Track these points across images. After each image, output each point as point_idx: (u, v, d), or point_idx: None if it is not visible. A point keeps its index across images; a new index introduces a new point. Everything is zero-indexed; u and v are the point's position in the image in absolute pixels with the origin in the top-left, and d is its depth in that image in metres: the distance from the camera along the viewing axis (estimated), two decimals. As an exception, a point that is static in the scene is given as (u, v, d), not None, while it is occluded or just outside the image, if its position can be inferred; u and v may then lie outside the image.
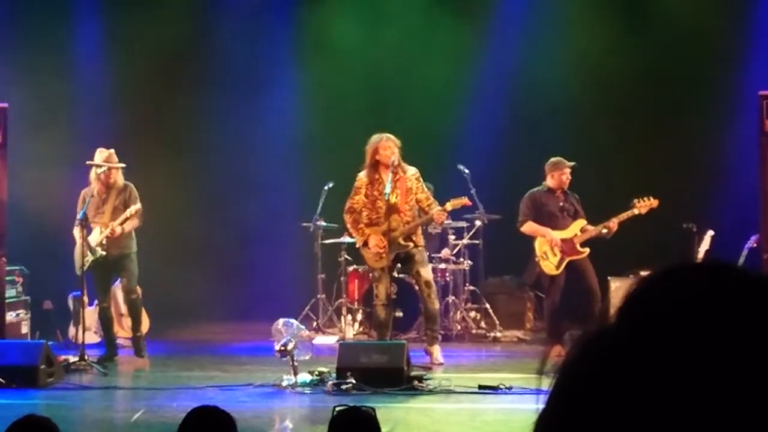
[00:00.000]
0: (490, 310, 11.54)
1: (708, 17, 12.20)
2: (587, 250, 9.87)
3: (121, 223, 9.76)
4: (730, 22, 12.36)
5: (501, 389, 8.08)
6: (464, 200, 9.68)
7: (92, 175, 9.90)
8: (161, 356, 10.34)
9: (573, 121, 12.26)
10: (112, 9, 13.04)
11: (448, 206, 9.53)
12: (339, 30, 12.95)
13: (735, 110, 11.57)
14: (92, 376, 9.13)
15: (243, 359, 9.94)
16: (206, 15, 13.06)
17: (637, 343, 0.81)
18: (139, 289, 10.25)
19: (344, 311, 11.23)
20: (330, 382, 8.15)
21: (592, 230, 9.85)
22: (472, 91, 12.60)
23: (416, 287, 9.76)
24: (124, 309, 10.52)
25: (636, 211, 9.76)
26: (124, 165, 10.00)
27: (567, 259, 9.83)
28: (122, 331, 10.67)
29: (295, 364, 8.33)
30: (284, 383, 8.29)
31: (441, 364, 9.44)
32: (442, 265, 11.39)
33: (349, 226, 9.83)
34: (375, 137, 9.54)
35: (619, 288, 10.26)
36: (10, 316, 10.39)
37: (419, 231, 9.72)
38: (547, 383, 0.86)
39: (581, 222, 9.95)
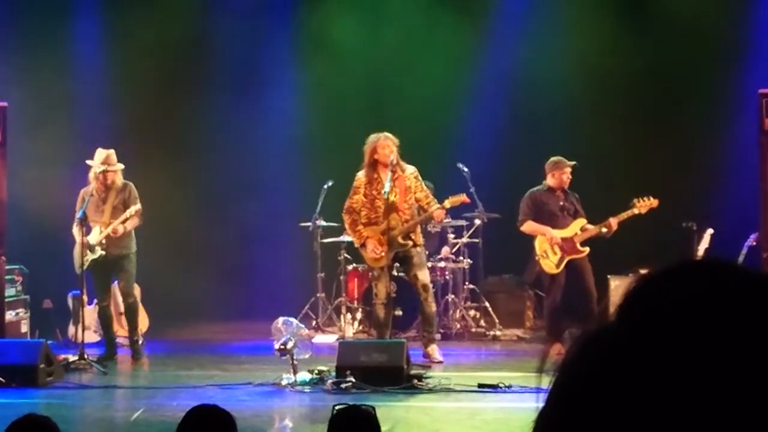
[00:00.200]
0: (490, 309, 11.54)
1: (708, 16, 12.19)
2: (587, 249, 9.87)
3: (122, 223, 9.76)
4: (730, 21, 12.36)
5: (500, 388, 8.08)
6: (463, 197, 9.68)
7: (91, 174, 9.90)
8: (161, 355, 10.34)
9: (573, 120, 12.25)
10: (111, 8, 13.03)
11: (447, 203, 9.53)
12: (338, 29, 12.94)
13: (734, 109, 11.57)
14: (92, 375, 9.13)
15: (243, 358, 9.95)
16: (206, 14, 13.05)
17: (637, 342, 0.81)
18: (136, 292, 10.24)
19: (344, 310, 11.24)
20: (329, 381, 8.16)
21: (592, 229, 9.86)
22: (472, 90, 12.60)
23: (414, 289, 9.76)
24: (123, 308, 10.51)
25: (636, 211, 9.77)
26: (122, 166, 9.99)
27: (567, 258, 9.83)
28: (122, 330, 10.66)
29: (295, 362, 8.33)
30: (284, 382, 8.29)
31: (440, 362, 9.44)
32: (442, 264, 11.39)
33: (347, 226, 9.83)
34: (373, 136, 9.54)
35: (618, 287, 10.26)
36: (9, 315, 10.39)
37: (418, 230, 9.72)
38: (546, 382, 0.86)
39: (581, 221, 9.96)
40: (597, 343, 0.84)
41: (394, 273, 10.00)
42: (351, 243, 10.34)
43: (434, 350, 9.55)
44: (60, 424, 3.64)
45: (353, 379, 8.04)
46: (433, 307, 9.70)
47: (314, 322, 11.58)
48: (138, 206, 9.84)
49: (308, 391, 8.16)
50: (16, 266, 10.84)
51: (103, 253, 9.80)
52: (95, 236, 9.80)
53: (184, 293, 11.91)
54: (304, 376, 8.32)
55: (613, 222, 9.75)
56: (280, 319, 8.65)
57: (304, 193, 12.11)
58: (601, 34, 12.42)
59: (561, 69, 12.50)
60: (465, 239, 11.56)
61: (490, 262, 11.84)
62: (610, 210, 9.90)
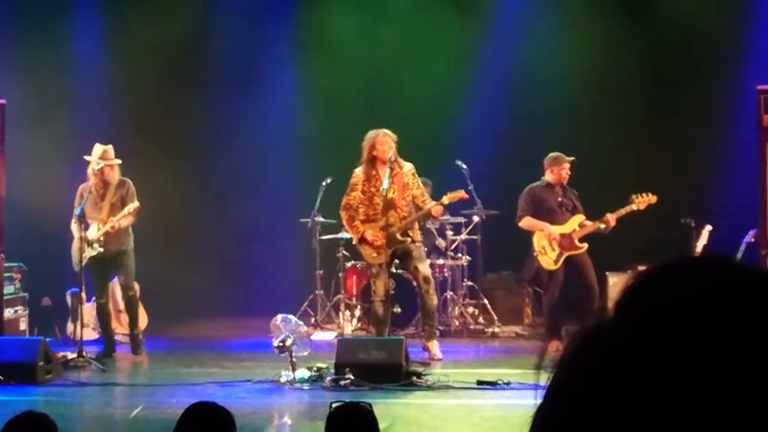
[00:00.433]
0: (489, 306, 11.54)
1: (706, 13, 12.19)
2: (586, 245, 9.87)
3: (119, 220, 9.75)
4: (728, 19, 12.35)
5: (499, 385, 8.09)
6: (461, 193, 9.68)
7: (89, 170, 9.90)
8: (160, 353, 10.35)
9: (571, 117, 12.25)
10: (111, 6, 13.03)
11: (445, 200, 9.53)
12: (338, 28, 12.94)
13: (733, 105, 11.57)
14: (90, 372, 9.13)
15: (242, 355, 9.95)
16: (205, 13, 13.04)
17: (635, 338, 0.81)
18: (136, 286, 10.24)
19: (342, 307, 11.24)
20: (328, 378, 8.16)
21: (591, 225, 9.86)
22: (471, 87, 12.59)
23: (414, 283, 9.77)
24: (122, 305, 10.52)
25: (634, 207, 9.77)
26: (119, 161, 10.00)
27: (565, 254, 9.83)
28: (120, 328, 10.68)
29: (294, 360, 8.33)
30: (283, 379, 8.29)
31: (439, 359, 9.45)
32: (441, 261, 11.39)
33: (344, 222, 9.83)
34: (371, 133, 9.54)
35: (617, 283, 10.27)
36: (8, 313, 10.38)
37: (416, 226, 9.72)
38: (545, 378, 0.86)
39: (580, 217, 9.96)
40: (595, 340, 0.84)
41: (393, 270, 10.00)
42: (349, 240, 10.34)
43: (434, 346, 9.55)
44: (59, 421, 3.64)
45: (352, 377, 8.04)
46: (435, 300, 9.70)
47: (313, 319, 11.58)
48: (136, 204, 9.84)
49: (307, 388, 8.17)
50: (15, 264, 10.84)
51: (101, 250, 9.80)
52: (93, 233, 9.79)
53: (183, 290, 11.91)
54: (303, 373, 8.32)
55: (611, 218, 9.75)
56: (279, 317, 8.65)
57: (302, 190, 12.11)
58: (600, 31, 12.41)
59: (560, 66, 12.50)
60: (463, 236, 11.56)
61: (488, 259, 11.84)
62: (608, 206, 9.90)
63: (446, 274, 11.44)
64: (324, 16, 13.05)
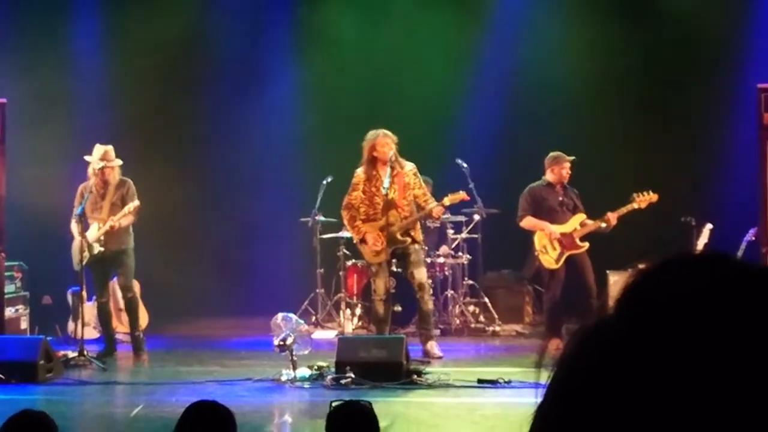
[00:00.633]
0: (489, 305, 11.54)
1: (706, 12, 12.18)
2: (586, 244, 9.87)
3: (119, 219, 9.75)
4: (729, 16, 12.35)
5: (500, 383, 8.09)
6: (462, 195, 9.68)
7: (90, 170, 9.91)
8: (160, 351, 10.34)
9: (572, 116, 12.25)
10: (110, 5, 13.03)
11: (446, 201, 9.53)
12: (338, 26, 12.93)
13: (733, 104, 11.57)
14: (91, 371, 9.13)
15: (242, 354, 9.95)
16: (205, 11, 13.04)
17: (635, 337, 0.81)
18: (136, 286, 10.25)
19: (343, 306, 11.24)
20: (329, 377, 8.16)
21: (591, 224, 9.86)
22: (471, 86, 12.59)
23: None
24: (122, 304, 10.51)
25: (635, 206, 9.77)
26: (120, 162, 10.00)
27: (566, 254, 9.83)
28: (121, 327, 10.68)
29: (294, 358, 8.33)
30: (283, 378, 8.29)
31: (440, 357, 9.45)
32: (441, 260, 11.39)
33: (345, 222, 9.83)
34: (371, 133, 9.53)
35: (617, 282, 10.26)
36: (9, 312, 10.38)
37: (418, 226, 9.72)
38: (545, 377, 0.86)
39: (580, 216, 9.96)
40: (595, 338, 0.84)
41: (393, 269, 10.00)
42: (350, 239, 10.34)
43: (433, 346, 9.55)
44: (60, 420, 3.64)
45: (353, 375, 8.04)
46: (430, 305, 9.71)
47: (313, 318, 11.58)
48: (137, 203, 9.84)
49: (307, 386, 8.16)
50: (16, 263, 10.84)
51: (102, 249, 9.80)
52: (93, 233, 9.80)
53: (183, 289, 11.92)
54: (303, 371, 8.32)
55: (612, 217, 9.75)
56: (280, 315, 8.65)
57: (303, 189, 12.10)
58: (600, 30, 12.40)
59: (560, 65, 12.50)
60: (464, 235, 11.56)
61: (489, 258, 11.84)
62: (609, 205, 9.90)
63: (447, 273, 11.44)
64: (324, 15, 13.04)
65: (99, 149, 9.91)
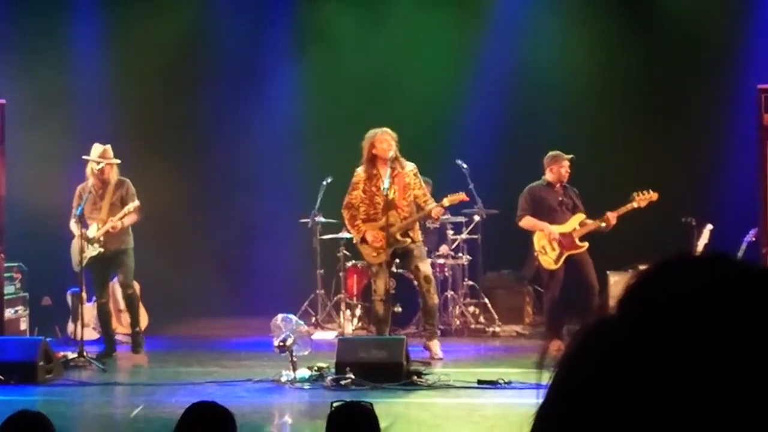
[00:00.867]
0: (489, 305, 11.54)
1: (706, 12, 12.19)
2: (586, 244, 9.86)
3: (121, 219, 9.76)
4: (729, 17, 12.35)
5: (500, 384, 8.09)
6: (461, 196, 9.68)
7: (88, 170, 9.91)
8: (160, 352, 10.34)
9: (572, 116, 12.26)
10: (110, 4, 13.03)
11: (446, 202, 9.53)
12: (338, 25, 12.94)
13: (733, 104, 11.57)
14: (91, 372, 9.13)
15: (242, 355, 9.95)
16: (205, 9, 13.05)
17: (637, 337, 0.81)
18: (135, 285, 10.25)
19: (343, 306, 11.24)
20: (329, 378, 8.15)
21: (591, 224, 9.85)
22: (471, 86, 12.59)
23: (415, 282, 9.76)
24: (122, 305, 10.53)
25: (635, 205, 9.76)
26: (119, 161, 10.00)
27: (566, 254, 9.82)
28: (121, 327, 10.68)
29: (294, 359, 8.33)
30: (283, 379, 8.29)
31: (440, 358, 9.45)
32: (441, 260, 11.40)
33: (346, 221, 9.83)
34: (371, 132, 9.53)
35: (618, 282, 10.27)
36: (8, 313, 10.38)
37: (417, 226, 9.71)
38: (546, 378, 0.85)
39: (580, 216, 9.95)
40: (597, 339, 0.84)
41: (393, 269, 10.00)
42: (350, 239, 10.34)
43: (435, 345, 9.55)
44: (59, 421, 3.64)
45: (353, 376, 8.04)
46: (436, 300, 9.70)
47: (313, 319, 11.58)
48: (137, 203, 9.85)
49: (308, 387, 8.16)
50: (15, 264, 10.84)
51: (102, 249, 9.80)
52: (93, 233, 9.80)
53: (183, 290, 11.92)
54: (303, 372, 8.32)
55: (612, 216, 9.74)
56: (280, 316, 8.65)
57: (303, 190, 12.11)
58: (600, 31, 12.42)
59: (559, 65, 12.51)
60: (464, 235, 11.56)
61: (489, 258, 11.84)
62: (609, 205, 9.89)
63: (447, 274, 11.44)
64: (324, 15, 13.05)
65: (97, 148, 9.92)
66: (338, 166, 10.69)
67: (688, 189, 11.48)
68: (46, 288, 11.48)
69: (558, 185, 9.99)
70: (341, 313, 11.26)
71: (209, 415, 3.57)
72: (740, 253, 9.84)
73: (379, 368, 8.16)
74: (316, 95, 12.96)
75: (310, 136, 12.83)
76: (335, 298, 11.66)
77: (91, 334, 10.53)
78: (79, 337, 9.72)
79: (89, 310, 10.41)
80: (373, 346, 8.52)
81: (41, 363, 8.51)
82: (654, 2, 12.72)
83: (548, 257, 9.87)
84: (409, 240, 9.55)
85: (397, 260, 9.84)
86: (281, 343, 8.37)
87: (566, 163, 9.96)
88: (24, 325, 10.94)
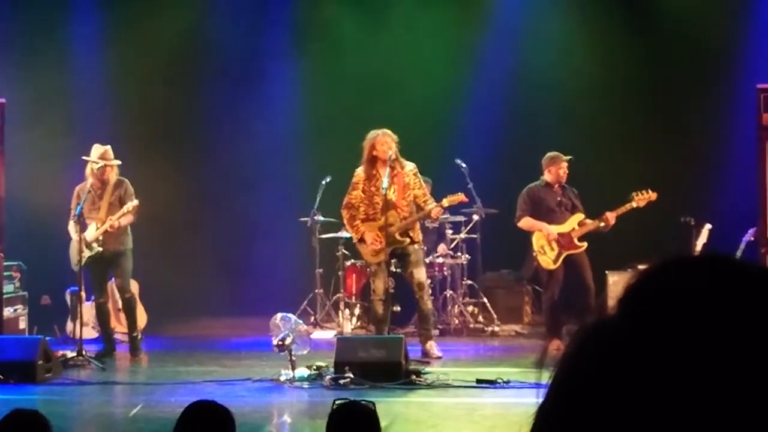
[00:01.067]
0: (488, 305, 11.54)
1: (706, 12, 12.19)
2: (585, 244, 9.86)
3: (119, 218, 9.76)
4: (729, 16, 12.35)
5: (499, 383, 8.09)
6: (461, 197, 9.68)
7: (88, 170, 9.90)
8: (159, 351, 10.34)
9: (571, 116, 12.26)
10: (110, 3, 13.02)
11: (445, 202, 9.53)
12: (339, 24, 12.94)
13: (733, 104, 11.57)
14: (90, 371, 9.13)
15: (241, 354, 9.95)
16: (204, 7, 13.04)
17: (637, 337, 0.81)
18: (134, 287, 10.25)
19: (342, 306, 11.23)
20: (328, 377, 8.15)
21: (590, 224, 9.85)
22: (471, 86, 12.59)
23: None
24: (121, 305, 10.50)
25: (634, 204, 9.76)
26: (119, 162, 10.00)
27: (565, 254, 9.82)
28: (120, 327, 10.68)
29: (293, 358, 8.33)
30: (282, 378, 8.29)
31: (439, 357, 9.45)
32: (440, 260, 11.40)
33: (345, 221, 9.83)
34: (372, 133, 9.54)
35: (617, 282, 10.27)
36: (7, 312, 10.38)
37: (417, 226, 9.71)
38: (545, 377, 0.86)
39: (579, 216, 9.95)
40: (596, 339, 0.84)
41: (392, 269, 10.00)
42: (349, 239, 10.34)
43: (432, 346, 9.55)
44: (58, 420, 3.64)
45: (352, 375, 8.04)
46: (429, 305, 9.72)
47: (312, 318, 11.58)
48: (135, 202, 9.84)
49: (307, 386, 8.16)
50: (15, 263, 10.84)
51: (100, 249, 9.80)
52: (92, 233, 9.79)
53: (182, 289, 11.91)
54: (302, 371, 8.32)
55: (611, 216, 9.74)
56: (279, 315, 8.65)
57: (302, 189, 12.11)
58: (600, 31, 12.42)
59: (559, 65, 12.50)
60: (463, 235, 11.56)
61: (488, 258, 11.84)
62: (608, 205, 9.89)
63: (446, 273, 11.44)
64: (324, 14, 13.04)
65: (98, 149, 9.92)
66: (337, 166, 10.69)
67: (687, 189, 11.48)
68: (45, 287, 11.47)
69: (557, 185, 9.99)
70: (340, 312, 11.26)
71: (208, 415, 3.57)
72: (739, 253, 9.84)
73: (378, 367, 8.16)
74: (315, 95, 12.95)
75: (309, 135, 12.82)
76: (334, 298, 11.66)
77: (90, 333, 10.53)
78: (78, 336, 9.72)
79: (88, 309, 10.41)
80: (372, 345, 8.52)
81: (40, 362, 8.51)
82: (654, 2, 12.71)
83: (547, 257, 9.87)
84: (408, 240, 9.55)
85: (395, 260, 9.84)
86: (280, 343, 8.37)
87: (564, 164, 9.96)
88: (23, 324, 10.93)
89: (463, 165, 10.91)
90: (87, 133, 10.89)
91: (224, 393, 7.62)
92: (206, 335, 11.45)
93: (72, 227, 9.83)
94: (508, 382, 8.08)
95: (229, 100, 12.93)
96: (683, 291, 0.82)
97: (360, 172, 9.60)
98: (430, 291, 10.24)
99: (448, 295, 11.39)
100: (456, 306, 11.43)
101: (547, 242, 9.86)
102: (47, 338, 9.23)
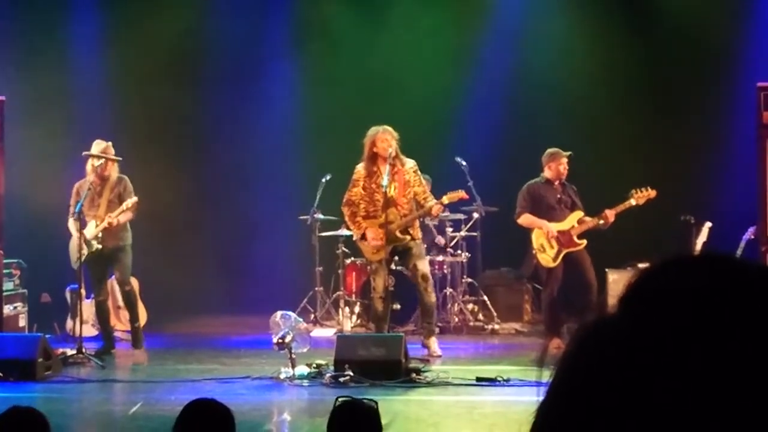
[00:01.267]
0: (488, 303, 11.55)
1: (706, 10, 12.18)
2: (584, 241, 9.86)
3: (118, 215, 9.76)
4: (728, 15, 12.35)
5: (499, 381, 8.09)
6: (461, 194, 9.68)
7: (89, 166, 9.90)
8: (159, 349, 10.34)
9: (571, 114, 12.25)
10: (109, 2, 13.02)
11: (445, 200, 9.54)
12: (338, 22, 12.93)
13: (733, 102, 11.57)
14: (90, 369, 9.12)
15: (241, 352, 9.95)
16: (204, 6, 13.03)
17: (637, 336, 0.81)
18: (134, 282, 10.25)
19: (342, 304, 11.24)
20: (328, 375, 8.16)
21: (590, 222, 9.85)
22: (471, 83, 12.58)
23: (413, 281, 9.77)
24: (121, 302, 10.51)
25: (633, 202, 9.76)
26: (120, 158, 10.01)
27: (564, 251, 9.82)
28: (119, 324, 10.68)
29: (293, 356, 8.33)
30: (282, 376, 8.29)
31: (439, 356, 9.45)
32: (440, 258, 11.40)
33: (346, 218, 9.83)
34: (372, 129, 9.54)
35: (617, 280, 10.27)
36: (7, 310, 10.38)
37: (416, 224, 9.71)
38: (545, 376, 0.85)
39: (578, 213, 9.95)
40: (597, 337, 0.84)
41: (393, 267, 10.00)
42: (349, 237, 10.34)
43: (434, 343, 9.55)
44: (58, 418, 3.64)
45: (351, 373, 8.04)
46: (433, 298, 9.70)
47: (312, 316, 11.58)
48: (135, 199, 9.85)
49: (306, 385, 8.16)
50: (14, 260, 10.84)
51: (100, 246, 9.80)
52: (91, 230, 9.80)
53: (182, 287, 11.91)
54: (302, 369, 8.32)
55: (610, 214, 9.73)
56: (278, 313, 8.65)
57: (302, 187, 12.11)
58: (599, 29, 12.41)
59: (559, 63, 12.50)
60: (463, 233, 11.57)
61: (488, 256, 11.84)
62: (608, 203, 9.89)
63: (446, 271, 11.45)
64: (324, 13, 13.03)
65: (99, 144, 9.92)
66: (337, 164, 10.69)
67: (687, 187, 11.48)
68: (45, 285, 11.48)
69: (557, 183, 9.99)
70: (340, 310, 11.26)
71: (208, 413, 3.57)
72: (739, 251, 9.84)
73: (378, 365, 8.16)
74: (315, 93, 12.95)
75: (309, 133, 12.82)
76: (334, 296, 11.66)
77: (90, 330, 10.53)
78: (77, 333, 9.73)
79: (88, 307, 10.41)
80: (371, 343, 8.52)
81: (40, 360, 8.51)
82: (654, 2, 12.71)
83: (547, 255, 9.86)
84: (408, 237, 9.55)
85: (396, 258, 9.85)
86: (280, 341, 8.37)
87: (564, 161, 9.95)
88: (23, 322, 10.93)
89: (463, 163, 10.91)
90: (87, 132, 10.87)
91: (224, 391, 7.63)
92: (206, 333, 11.45)
93: (71, 224, 9.83)
94: (508, 380, 8.08)
95: (229, 100, 12.93)
96: (684, 290, 0.82)
97: (360, 169, 9.60)
98: (433, 283, 10.24)
99: (447, 293, 11.40)
100: (456, 304, 11.43)
101: (547, 240, 9.86)
102: (47, 336, 9.24)
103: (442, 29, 12.84)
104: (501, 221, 10.91)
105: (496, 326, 11.34)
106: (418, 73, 12.64)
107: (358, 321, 11.40)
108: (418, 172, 9.62)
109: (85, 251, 9.67)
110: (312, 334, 9.61)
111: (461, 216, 11.53)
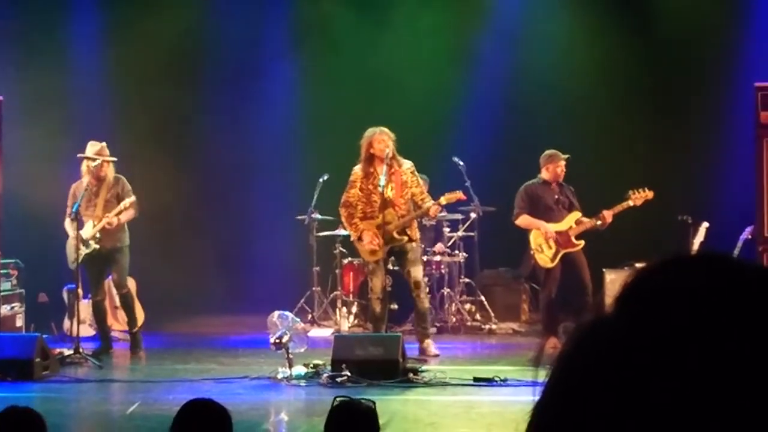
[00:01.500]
0: (486, 303, 11.55)
1: (704, 10, 12.19)
2: (582, 242, 9.86)
3: (117, 215, 9.75)
4: (727, 15, 12.35)
5: (496, 381, 8.10)
6: (459, 194, 9.69)
7: (84, 167, 9.89)
8: (157, 349, 10.33)
9: (569, 114, 12.26)
10: (109, 2, 13.02)
11: (443, 200, 9.54)
12: (337, 22, 12.93)
13: (730, 102, 11.58)
14: (87, 368, 9.12)
15: (239, 352, 9.95)
16: (203, 6, 13.03)
17: (634, 336, 0.81)
18: (132, 285, 10.24)
19: (339, 304, 11.24)
20: (325, 375, 8.16)
21: (587, 222, 9.85)
22: (469, 84, 12.59)
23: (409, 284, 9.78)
24: (118, 302, 10.50)
25: (631, 203, 9.76)
26: (115, 159, 9.99)
27: (562, 252, 9.82)
28: (116, 324, 10.67)
29: (291, 356, 8.33)
30: (279, 376, 8.29)
31: (436, 355, 9.45)
32: (437, 258, 11.40)
33: (343, 220, 9.84)
34: (369, 131, 9.54)
35: (614, 280, 10.27)
36: (4, 309, 10.39)
37: (414, 225, 9.72)
38: (542, 375, 0.85)
39: (576, 214, 9.95)
40: (594, 337, 0.84)
41: (390, 267, 10.00)
42: (346, 237, 10.35)
43: (429, 344, 9.56)
44: (56, 418, 3.64)
45: (349, 373, 8.04)
46: (426, 303, 9.72)
47: (310, 316, 11.58)
48: (132, 198, 9.84)
49: (304, 384, 8.16)
50: (12, 260, 10.84)
51: (97, 246, 9.80)
52: (89, 230, 9.79)
53: (180, 287, 11.91)
54: (299, 369, 8.32)
55: (608, 214, 9.74)
56: (276, 313, 8.65)
57: (300, 187, 12.10)
58: (598, 29, 12.42)
59: (558, 64, 12.50)
60: (460, 233, 11.57)
61: (485, 256, 11.85)
62: (606, 204, 9.89)
63: (443, 271, 11.45)
64: (323, 13, 13.03)
65: (93, 146, 9.91)
66: (335, 164, 10.69)
67: (684, 187, 11.49)
68: (42, 285, 11.47)
69: (554, 183, 9.99)
70: (337, 310, 11.26)
71: (205, 413, 3.57)
72: (736, 251, 9.84)
73: (376, 365, 8.16)
74: (314, 93, 12.95)
75: (307, 133, 12.82)
76: (331, 296, 11.66)
77: (87, 330, 10.52)
78: (75, 333, 9.71)
79: (85, 306, 10.40)
80: (369, 343, 8.52)
81: (37, 360, 8.51)
82: (654, 2, 12.71)
83: (544, 255, 9.87)
84: (406, 238, 9.55)
85: (393, 258, 9.85)
86: (277, 340, 8.37)
87: (562, 163, 9.96)
88: (20, 322, 10.93)
89: (461, 163, 10.91)
90: (86, 133, 10.86)
91: (221, 391, 7.62)
92: (204, 333, 11.45)
93: (69, 225, 9.82)
94: (505, 380, 8.08)
95: (229, 100, 12.93)
96: (681, 290, 0.82)
97: (357, 170, 9.60)
98: (427, 289, 10.25)
99: (445, 293, 11.40)
100: (453, 304, 11.44)
101: (545, 240, 9.86)
102: (44, 336, 9.24)
103: (442, 29, 12.84)
104: (499, 221, 10.91)
105: (494, 326, 11.35)
106: (418, 73, 12.64)
107: (356, 321, 11.40)
108: (416, 173, 9.63)
109: (82, 251, 9.66)
110: (309, 334, 9.60)
111: (459, 216, 11.53)
